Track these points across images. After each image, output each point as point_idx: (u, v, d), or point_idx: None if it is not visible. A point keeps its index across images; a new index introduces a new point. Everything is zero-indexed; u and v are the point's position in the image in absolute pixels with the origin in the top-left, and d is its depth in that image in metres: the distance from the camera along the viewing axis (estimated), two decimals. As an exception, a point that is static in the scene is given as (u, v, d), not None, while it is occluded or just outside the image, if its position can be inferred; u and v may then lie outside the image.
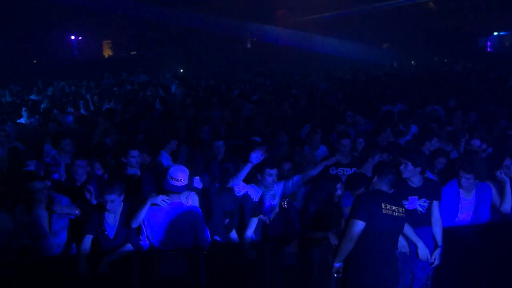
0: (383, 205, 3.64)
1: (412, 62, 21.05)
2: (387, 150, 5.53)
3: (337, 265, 3.77)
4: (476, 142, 5.88)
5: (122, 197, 4.21)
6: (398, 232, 3.79)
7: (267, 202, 4.45)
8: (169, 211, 4.20)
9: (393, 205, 3.68)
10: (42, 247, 4.33)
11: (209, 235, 4.39)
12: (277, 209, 4.52)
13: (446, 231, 4.49)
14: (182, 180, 4.16)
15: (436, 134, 6.27)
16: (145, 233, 4.24)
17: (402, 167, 4.38)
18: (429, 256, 4.30)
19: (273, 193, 4.50)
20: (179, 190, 4.19)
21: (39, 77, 17.41)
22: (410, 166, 4.34)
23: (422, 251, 4.26)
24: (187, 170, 4.27)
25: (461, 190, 4.69)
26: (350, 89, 12.70)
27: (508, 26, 22.49)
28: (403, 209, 3.75)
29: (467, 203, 4.72)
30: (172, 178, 4.14)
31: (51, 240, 4.35)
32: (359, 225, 3.60)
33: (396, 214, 3.67)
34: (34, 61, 24.44)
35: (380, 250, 3.69)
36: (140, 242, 4.24)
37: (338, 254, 3.74)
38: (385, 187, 3.80)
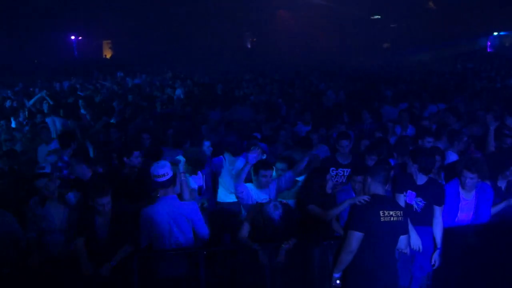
0: (381, 213, 3.62)
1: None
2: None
3: (336, 275, 3.76)
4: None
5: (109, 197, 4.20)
6: (397, 236, 3.75)
7: (270, 214, 4.28)
8: (165, 207, 4.22)
9: (391, 210, 3.66)
10: (48, 242, 4.37)
11: (207, 229, 4.42)
12: (278, 219, 4.30)
13: (446, 231, 4.50)
14: (165, 175, 4.21)
15: (432, 133, 6.23)
16: (145, 236, 4.25)
17: None
18: (421, 247, 4.33)
19: (275, 203, 4.34)
20: (166, 185, 4.24)
21: (40, 77, 17.39)
22: (409, 162, 4.59)
23: (414, 241, 4.28)
24: (167, 163, 4.34)
25: (461, 190, 4.70)
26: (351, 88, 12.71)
27: (508, 26, 22.50)
28: (402, 212, 3.73)
29: (467, 203, 4.73)
30: (155, 175, 4.20)
31: (58, 236, 4.38)
32: (358, 236, 3.60)
33: (395, 219, 3.65)
34: (35, 61, 24.42)
35: (379, 257, 3.68)
36: (136, 239, 4.24)
37: (338, 265, 3.73)
38: (380, 188, 3.78)
